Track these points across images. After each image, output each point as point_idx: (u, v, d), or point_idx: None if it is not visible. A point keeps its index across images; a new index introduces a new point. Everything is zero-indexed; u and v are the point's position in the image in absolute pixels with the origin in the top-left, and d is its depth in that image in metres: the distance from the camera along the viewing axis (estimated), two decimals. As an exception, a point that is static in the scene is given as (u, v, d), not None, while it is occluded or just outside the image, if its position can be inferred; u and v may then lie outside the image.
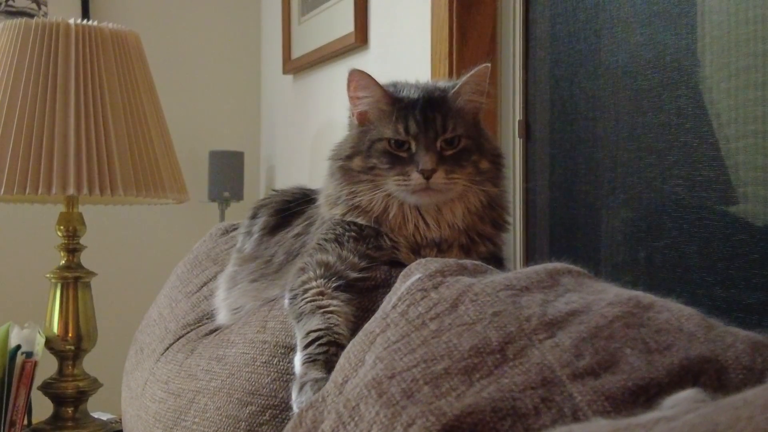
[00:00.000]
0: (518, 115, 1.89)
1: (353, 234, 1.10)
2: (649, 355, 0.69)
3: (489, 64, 1.13)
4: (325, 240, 1.11)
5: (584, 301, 0.77)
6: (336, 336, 0.96)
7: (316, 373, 0.92)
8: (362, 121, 1.14)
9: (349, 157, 1.12)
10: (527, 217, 1.87)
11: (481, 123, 1.17)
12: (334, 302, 1.03)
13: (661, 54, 1.53)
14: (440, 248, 1.11)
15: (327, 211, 1.16)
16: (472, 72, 1.12)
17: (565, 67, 1.77)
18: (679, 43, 1.49)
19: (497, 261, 1.13)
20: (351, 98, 1.14)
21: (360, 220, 1.11)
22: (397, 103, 1.11)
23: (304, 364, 0.96)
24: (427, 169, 1.06)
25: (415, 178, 1.07)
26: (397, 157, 1.09)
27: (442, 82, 1.17)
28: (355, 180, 1.11)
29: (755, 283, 1.32)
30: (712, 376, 0.67)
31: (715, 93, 1.43)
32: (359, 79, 1.12)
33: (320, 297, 1.03)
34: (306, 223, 1.23)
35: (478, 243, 1.13)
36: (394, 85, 1.16)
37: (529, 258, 1.84)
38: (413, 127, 1.08)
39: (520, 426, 0.64)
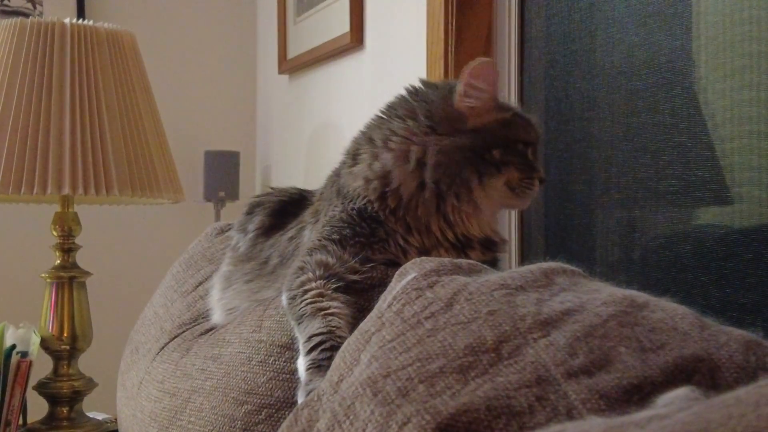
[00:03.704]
0: (513, 116, 1.89)
1: (361, 239, 1.09)
2: (643, 353, 0.69)
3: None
4: (328, 239, 1.10)
5: (579, 301, 0.78)
6: (339, 340, 0.96)
7: (321, 381, 0.91)
8: (466, 113, 1.11)
9: (489, 148, 1.11)
10: (522, 217, 1.87)
11: None
12: (335, 304, 1.02)
13: (655, 54, 1.53)
14: (470, 247, 1.12)
15: (363, 186, 1.12)
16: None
17: (560, 68, 1.78)
18: (674, 44, 1.49)
19: (493, 262, 1.14)
20: (469, 86, 1.11)
21: (408, 215, 1.10)
22: (507, 109, 1.14)
23: (308, 369, 0.95)
24: (544, 179, 1.14)
25: (537, 184, 1.12)
26: (527, 161, 1.12)
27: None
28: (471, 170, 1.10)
29: (749, 283, 1.33)
30: (705, 374, 0.67)
31: (710, 93, 1.44)
32: (491, 73, 1.13)
33: (320, 299, 1.03)
34: (299, 226, 1.23)
35: (499, 245, 1.16)
36: None
37: (524, 257, 1.84)
38: (541, 135, 1.15)
39: (514, 424, 0.65)
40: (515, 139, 1.12)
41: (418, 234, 1.10)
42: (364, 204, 1.11)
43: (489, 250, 1.14)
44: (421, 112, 1.13)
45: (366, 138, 1.16)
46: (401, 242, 1.10)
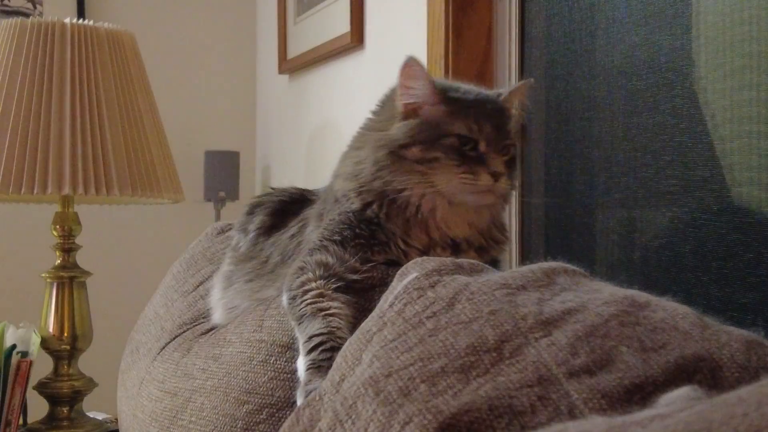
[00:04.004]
0: (514, 115, 1.89)
1: (362, 241, 1.09)
2: (644, 353, 0.69)
3: (533, 79, 1.15)
4: (329, 240, 1.10)
5: (580, 300, 0.78)
6: (339, 341, 0.96)
7: (320, 381, 0.91)
8: (409, 113, 1.11)
9: (406, 146, 1.08)
10: (523, 217, 1.87)
11: None
12: (335, 304, 1.02)
13: (656, 54, 1.53)
14: (459, 248, 1.10)
15: (350, 191, 1.12)
16: (519, 84, 1.15)
17: (560, 68, 1.78)
18: (674, 44, 1.49)
19: (493, 262, 1.14)
20: (402, 86, 1.11)
21: (390, 221, 1.09)
22: (456, 102, 1.10)
23: (308, 370, 0.95)
24: (498, 171, 1.07)
25: (485, 179, 1.06)
26: (466, 155, 1.07)
27: (485, 90, 1.17)
28: (404, 169, 1.08)
29: (750, 283, 1.33)
30: (707, 374, 0.68)
31: (710, 93, 1.44)
32: (413, 68, 1.11)
33: (321, 299, 1.03)
34: (301, 224, 1.23)
35: (492, 247, 1.14)
36: (443, 83, 1.15)
37: (525, 257, 1.84)
38: (486, 128, 1.08)
39: (516, 424, 0.65)
40: (445, 134, 1.08)
41: (415, 235, 1.10)
42: (360, 207, 1.11)
43: (484, 252, 1.13)
44: (383, 115, 1.16)
45: (354, 139, 1.18)
46: (401, 244, 1.10)
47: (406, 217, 1.09)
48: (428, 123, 1.09)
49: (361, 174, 1.11)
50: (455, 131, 1.07)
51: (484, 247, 1.13)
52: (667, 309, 0.76)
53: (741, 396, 0.50)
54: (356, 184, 1.11)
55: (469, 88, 1.14)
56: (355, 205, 1.11)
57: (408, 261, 1.04)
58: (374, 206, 1.10)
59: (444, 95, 1.10)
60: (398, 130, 1.10)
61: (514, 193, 1.20)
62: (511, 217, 1.85)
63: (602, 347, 0.70)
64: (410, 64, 1.11)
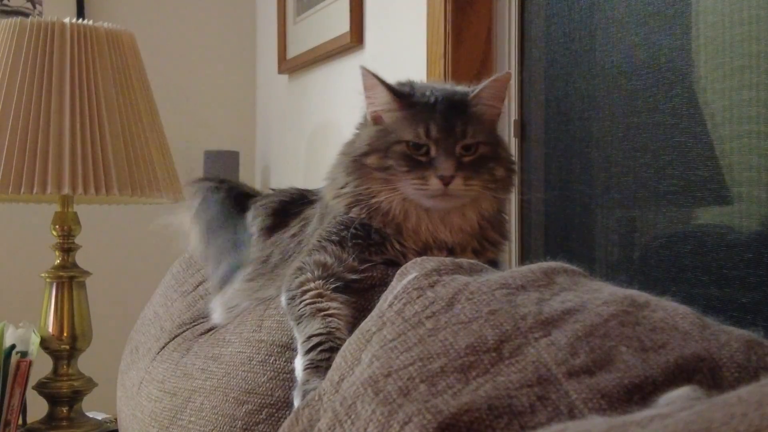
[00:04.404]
0: (513, 115, 1.89)
1: (359, 241, 1.09)
2: (644, 353, 0.69)
3: (510, 72, 1.13)
4: (327, 240, 1.10)
5: (579, 300, 0.78)
6: (338, 341, 0.96)
7: (318, 381, 0.91)
8: (376, 120, 1.13)
9: (365, 154, 1.10)
10: (523, 217, 1.87)
11: (497, 130, 1.16)
12: (334, 304, 1.02)
13: (655, 54, 1.53)
14: (453, 252, 1.10)
15: (331, 199, 1.14)
16: (494, 78, 1.11)
17: (560, 67, 1.78)
18: (674, 44, 1.50)
19: (493, 263, 1.13)
20: (365, 96, 1.13)
21: (376, 224, 1.10)
22: (413, 106, 1.10)
23: (306, 369, 0.95)
24: (447, 175, 1.05)
25: (434, 183, 1.05)
26: (416, 160, 1.07)
27: (460, 87, 1.15)
28: (369, 176, 1.09)
29: (749, 283, 1.33)
30: (706, 374, 0.68)
31: (710, 93, 1.44)
32: (366, 78, 1.11)
33: (319, 299, 1.03)
34: (302, 223, 1.23)
35: (488, 249, 1.13)
36: (411, 85, 1.14)
37: (525, 257, 1.84)
38: (434, 131, 1.06)
39: (516, 424, 0.65)
40: (396, 141, 1.09)
41: (407, 237, 1.10)
42: (345, 210, 1.12)
43: (479, 254, 1.12)
44: (362, 123, 1.17)
45: (343, 145, 1.19)
46: (396, 245, 1.10)
47: (389, 220, 1.10)
48: (385, 130, 1.11)
49: (336, 180, 1.14)
50: (404, 138, 1.08)
51: (478, 250, 1.12)
52: (667, 309, 0.76)
53: (741, 396, 0.50)
54: (334, 190, 1.14)
55: (436, 88, 1.13)
56: (340, 208, 1.12)
57: (407, 261, 1.04)
58: (356, 209, 1.11)
59: (401, 101, 1.10)
60: (361, 139, 1.13)
61: (510, 189, 1.16)
62: (511, 217, 1.85)
63: (602, 347, 0.70)
64: (363, 74, 1.12)
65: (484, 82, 1.11)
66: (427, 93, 1.11)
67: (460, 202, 1.09)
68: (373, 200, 1.09)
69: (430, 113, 1.08)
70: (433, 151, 1.07)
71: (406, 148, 1.07)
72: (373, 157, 1.09)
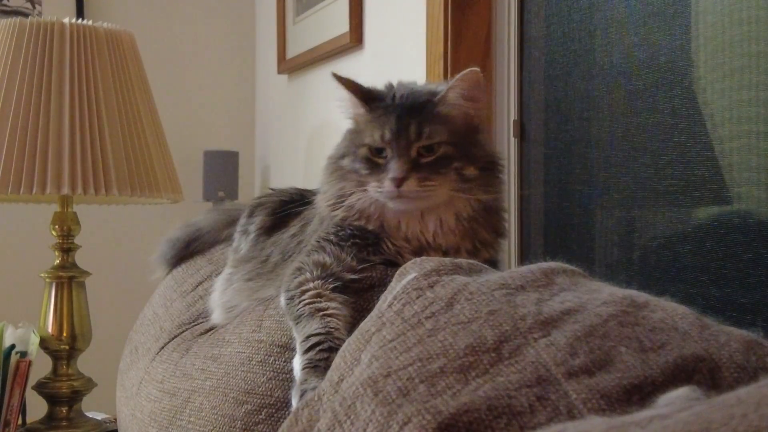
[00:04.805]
0: (513, 115, 1.89)
1: (357, 240, 1.10)
2: (643, 353, 0.69)
3: (477, 69, 1.10)
4: (326, 240, 1.11)
5: (579, 300, 0.78)
6: (337, 341, 0.96)
7: (316, 381, 0.91)
8: (354, 123, 1.16)
9: (341, 157, 1.14)
10: (522, 217, 1.87)
11: (479, 129, 1.14)
12: (333, 304, 1.02)
13: (655, 54, 1.53)
14: (447, 254, 1.09)
15: (324, 208, 1.15)
16: (458, 77, 1.10)
17: (559, 68, 1.78)
18: (673, 44, 1.50)
19: (493, 263, 1.13)
20: (341, 102, 1.16)
21: (364, 224, 1.11)
22: (376, 110, 1.12)
23: (304, 369, 0.95)
24: (397, 177, 1.06)
25: (387, 185, 1.06)
26: (376, 163, 1.09)
27: (436, 85, 1.15)
28: (344, 178, 1.12)
29: (749, 283, 1.33)
30: (706, 374, 0.68)
31: (709, 93, 1.44)
32: (336, 84, 1.14)
33: (318, 299, 1.03)
34: (302, 223, 1.23)
35: (481, 249, 1.13)
36: (391, 87, 1.15)
37: (524, 257, 1.84)
38: (387, 134, 1.08)
39: (515, 424, 0.65)
40: (360, 144, 1.11)
41: (397, 237, 1.10)
42: (330, 210, 1.15)
43: (473, 255, 1.12)
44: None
45: None
46: (390, 245, 1.10)
47: (372, 219, 1.11)
48: (357, 132, 1.14)
49: (322, 183, 1.18)
50: (365, 141, 1.11)
51: (472, 251, 1.12)
52: (666, 309, 0.76)
53: (740, 396, 0.50)
54: (321, 194, 1.17)
55: (406, 91, 1.13)
56: (325, 211, 1.15)
57: (404, 261, 1.04)
58: (337, 210, 1.13)
59: (367, 105, 1.13)
60: (341, 141, 1.17)
61: (492, 189, 1.13)
62: (511, 217, 1.85)
63: (601, 347, 0.70)
64: (335, 81, 1.14)
65: (451, 82, 1.11)
66: (396, 95, 1.12)
67: (425, 204, 1.09)
68: (347, 201, 1.11)
69: (390, 116, 1.09)
70: (388, 154, 1.08)
71: (368, 151, 1.10)
72: (346, 159, 1.13)
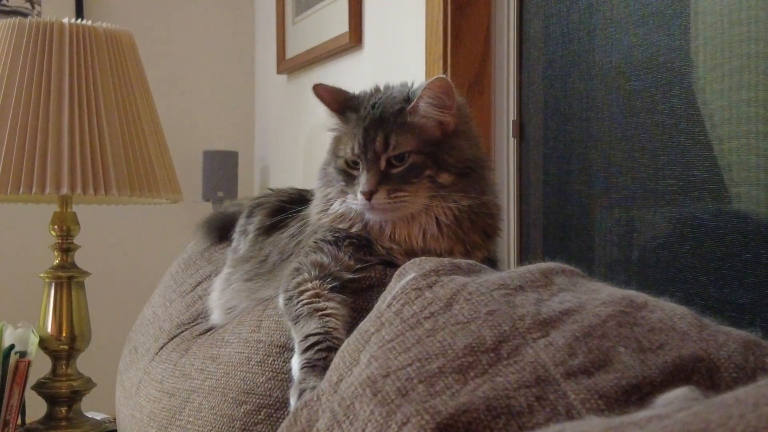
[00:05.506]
0: (512, 115, 1.89)
1: (354, 240, 1.10)
2: (642, 353, 0.69)
3: (445, 76, 1.08)
4: (324, 240, 1.11)
5: (578, 301, 0.78)
6: (335, 341, 0.96)
7: (315, 380, 0.91)
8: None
9: (327, 163, 1.16)
10: (521, 217, 1.87)
11: (458, 133, 1.12)
12: (331, 304, 1.02)
13: (654, 55, 1.53)
14: (441, 257, 1.10)
15: (313, 215, 1.17)
16: (426, 85, 1.09)
17: (558, 68, 1.78)
18: (673, 44, 1.50)
19: (492, 263, 1.13)
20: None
21: (349, 228, 1.12)
22: (350, 122, 1.13)
23: (302, 368, 0.95)
24: (365, 191, 1.07)
25: (360, 198, 1.07)
26: (351, 175, 1.10)
27: (415, 90, 1.13)
28: (329, 184, 1.15)
29: (748, 283, 1.33)
30: (704, 374, 0.68)
31: (708, 94, 1.44)
32: (317, 97, 1.16)
33: (317, 299, 1.03)
34: (301, 223, 1.23)
35: (474, 251, 1.12)
36: (376, 91, 1.16)
37: (523, 258, 1.84)
38: (356, 148, 1.09)
39: (514, 424, 0.65)
40: (338, 156, 1.13)
41: (386, 239, 1.11)
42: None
43: (467, 257, 1.12)
44: None
45: None
46: (380, 247, 1.11)
47: (357, 223, 1.12)
48: (337, 142, 1.16)
49: (314, 187, 1.20)
50: (340, 154, 1.12)
51: (464, 253, 1.11)
52: (665, 309, 0.76)
53: (738, 397, 0.50)
54: (314, 197, 1.19)
55: (381, 97, 1.12)
56: (313, 216, 1.17)
57: (400, 261, 1.05)
58: (322, 214, 1.15)
59: (341, 116, 1.14)
60: (329, 148, 1.19)
61: (475, 193, 1.10)
62: (510, 217, 1.85)
63: (600, 348, 0.70)
64: (315, 86, 1.17)
65: (419, 91, 1.09)
66: (371, 105, 1.12)
67: (399, 213, 1.08)
68: (330, 209, 1.13)
69: (359, 128, 1.10)
70: (361, 166, 1.09)
71: (344, 163, 1.12)
72: (330, 167, 1.15)
